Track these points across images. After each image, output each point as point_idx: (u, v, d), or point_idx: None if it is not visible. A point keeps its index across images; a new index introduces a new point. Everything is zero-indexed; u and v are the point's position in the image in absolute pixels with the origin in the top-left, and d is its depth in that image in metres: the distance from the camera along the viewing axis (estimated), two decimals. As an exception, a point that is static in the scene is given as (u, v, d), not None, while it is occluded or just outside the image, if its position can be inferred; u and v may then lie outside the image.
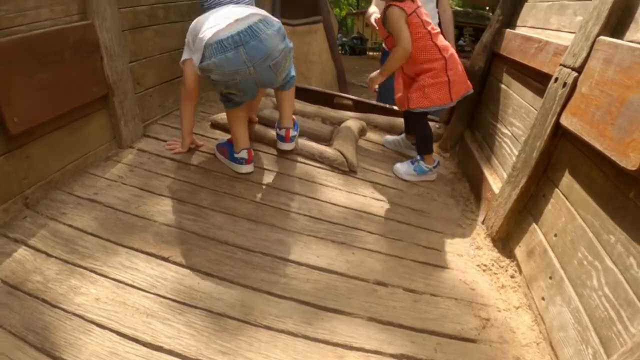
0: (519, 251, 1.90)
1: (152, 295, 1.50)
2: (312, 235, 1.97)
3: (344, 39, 25.31)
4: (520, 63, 2.30)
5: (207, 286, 1.58)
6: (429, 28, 2.42)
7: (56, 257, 1.63)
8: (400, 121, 3.19)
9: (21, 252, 1.63)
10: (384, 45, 4.03)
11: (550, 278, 1.60)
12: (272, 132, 2.67)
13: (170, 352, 1.32)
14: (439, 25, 3.14)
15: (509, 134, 2.34)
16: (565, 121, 1.67)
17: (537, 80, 2.12)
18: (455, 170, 2.87)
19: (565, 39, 1.93)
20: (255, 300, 1.56)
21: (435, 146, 2.98)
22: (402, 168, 2.67)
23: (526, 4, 2.64)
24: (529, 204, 1.92)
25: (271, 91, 2.74)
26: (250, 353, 1.36)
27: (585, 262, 1.43)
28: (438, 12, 3.38)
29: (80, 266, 1.60)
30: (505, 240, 2.03)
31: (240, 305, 1.53)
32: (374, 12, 3.51)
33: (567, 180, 1.68)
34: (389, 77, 2.72)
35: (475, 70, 2.86)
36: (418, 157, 2.66)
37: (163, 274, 1.60)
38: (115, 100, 2.34)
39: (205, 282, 1.60)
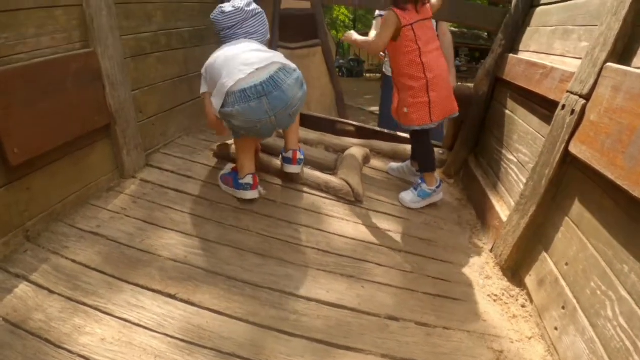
0: (530, 280, 1.87)
1: (159, 335, 1.46)
2: (320, 269, 1.94)
3: (341, 61, 25.61)
4: (525, 89, 2.29)
5: (216, 325, 1.54)
6: (420, 44, 2.38)
7: (59, 294, 1.58)
8: (403, 147, 3.18)
9: (22, 288, 1.59)
10: (384, 69, 4.06)
11: (563, 308, 1.57)
12: (277, 162, 2.65)
13: (180, 396, 1.28)
14: None
15: (515, 160, 2.32)
16: (574, 149, 1.66)
17: (543, 106, 2.11)
18: (460, 197, 2.85)
19: (570, 64, 1.93)
20: (266, 339, 1.52)
21: (439, 172, 2.95)
22: (407, 197, 2.64)
23: (528, 28, 2.65)
24: (538, 233, 1.89)
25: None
26: (262, 395, 1.32)
27: (598, 292, 1.41)
28: (438, 36, 3.40)
29: (85, 304, 1.55)
30: (515, 269, 2.00)
31: (250, 344, 1.49)
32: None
33: (577, 208, 1.66)
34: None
35: (479, 96, 2.86)
36: (419, 181, 2.63)
37: (170, 313, 1.56)
38: (118, 130, 2.31)
39: (214, 320, 1.56)
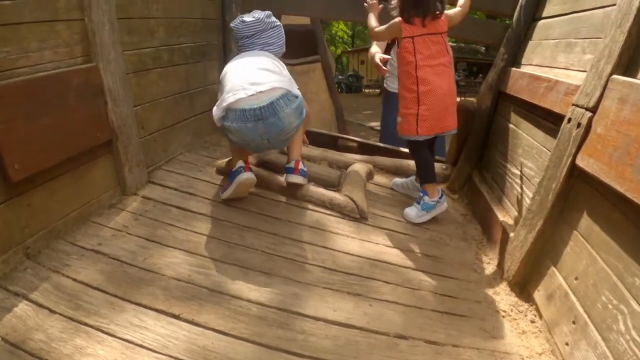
0: (538, 295, 1.84)
1: (163, 357, 1.42)
2: (327, 287, 1.90)
3: (340, 77, 25.82)
4: (529, 102, 2.29)
5: (222, 346, 1.50)
6: (418, 57, 2.38)
7: (60, 314, 1.54)
8: (407, 163, 3.17)
9: (22, 307, 1.55)
10: (385, 84, 4.06)
11: (574, 322, 1.54)
12: (280, 178, 2.63)
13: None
14: None
15: (520, 174, 2.31)
16: (581, 162, 1.64)
17: (547, 119, 2.10)
18: (464, 212, 2.83)
19: (575, 77, 1.93)
20: (273, 360, 1.48)
21: (443, 187, 2.94)
22: (412, 212, 2.61)
23: (530, 42, 2.65)
24: (546, 247, 1.87)
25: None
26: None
27: (610, 306, 1.38)
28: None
29: (86, 324, 1.51)
30: (523, 285, 1.98)
31: (256, 366, 1.45)
32: (377, 51, 3.55)
33: (585, 222, 1.64)
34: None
35: (482, 110, 2.86)
36: (421, 194, 2.61)
37: (174, 333, 1.52)
38: (120, 146, 2.29)
39: (219, 341, 1.51)
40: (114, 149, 2.29)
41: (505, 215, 2.36)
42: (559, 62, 2.19)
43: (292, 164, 2.51)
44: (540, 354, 1.65)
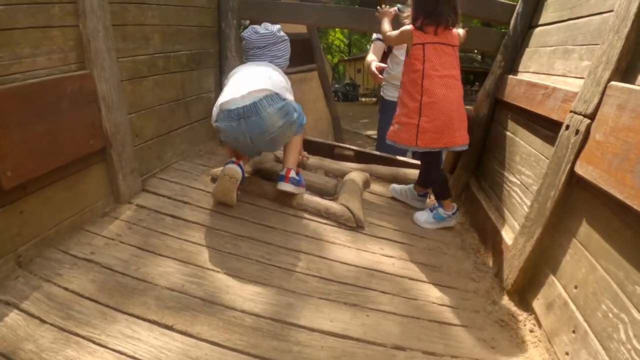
0: (537, 304, 1.82)
1: (156, 368, 1.39)
2: (323, 297, 1.87)
3: (336, 86, 25.93)
4: (527, 110, 2.28)
5: (215, 357, 1.46)
6: (427, 66, 2.38)
7: (51, 324, 1.51)
8: (403, 172, 3.17)
9: (13, 317, 1.52)
10: (382, 93, 4.06)
11: (574, 332, 1.52)
12: (275, 187, 2.60)
13: None
14: None
15: (518, 182, 2.30)
16: (580, 169, 1.63)
17: (545, 127, 2.10)
18: (462, 220, 2.81)
19: (572, 84, 1.92)
20: (267, 372, 1.45)
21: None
22: (422, 217, 2.65)
23: (527, 49, 2.65)
24: (545, 255, 1.85)
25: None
26: None
27: (610, 315, 1.37)
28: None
29: (77, 334, 1.48)
30: (522, 293, 1.96)
31: (251, 377, 1.42)
32: (373, 60, 3.54)
33: (584, 229, 1.63)
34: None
35: (480, 118, 2.85)
36: (437, 205, 2.64)
37: (167, 344, 1.49)
38: (114, 153, 2.27)
39: (213, 352, 1.48)
40: (107, 156, 2.26)
41: (503, 224, 2.34)
42: (556, 69, 2.18)
43: (283, 172, 2.51)
44: (540, 364, 1.62)
